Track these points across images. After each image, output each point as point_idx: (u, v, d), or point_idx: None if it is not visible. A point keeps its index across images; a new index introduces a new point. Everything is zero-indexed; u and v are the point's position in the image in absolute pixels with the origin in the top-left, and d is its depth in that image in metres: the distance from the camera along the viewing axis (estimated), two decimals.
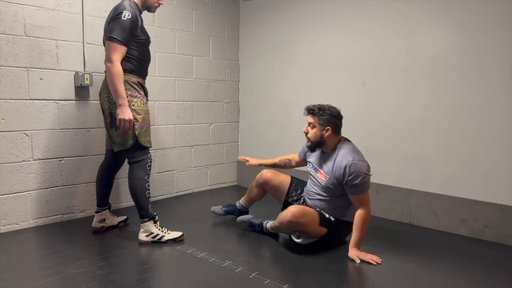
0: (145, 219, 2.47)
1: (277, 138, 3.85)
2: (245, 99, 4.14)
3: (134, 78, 2.41)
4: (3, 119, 2.62)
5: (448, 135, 2.80)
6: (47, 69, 2.78)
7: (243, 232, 2.74)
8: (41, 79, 2.76)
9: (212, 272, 2.12)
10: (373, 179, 3.19)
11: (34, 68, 2.72)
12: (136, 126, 2.38)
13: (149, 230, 2.48)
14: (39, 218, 2.81)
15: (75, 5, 2.88)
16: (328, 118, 2.45)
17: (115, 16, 2.31)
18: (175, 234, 2.53)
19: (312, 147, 2.53)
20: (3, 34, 2.58)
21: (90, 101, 3.01)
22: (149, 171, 2.49)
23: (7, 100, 2.63)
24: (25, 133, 2.72)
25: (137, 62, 2.43)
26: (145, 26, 2.43)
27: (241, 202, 2.94)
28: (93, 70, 2.98)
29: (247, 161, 2.90)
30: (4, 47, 2.59)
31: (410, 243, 2.60)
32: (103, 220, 2.70)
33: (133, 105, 2.37)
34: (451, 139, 2.79)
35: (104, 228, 2.70)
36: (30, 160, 2.75)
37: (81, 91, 2.96)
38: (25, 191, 2.74)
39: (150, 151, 2.52)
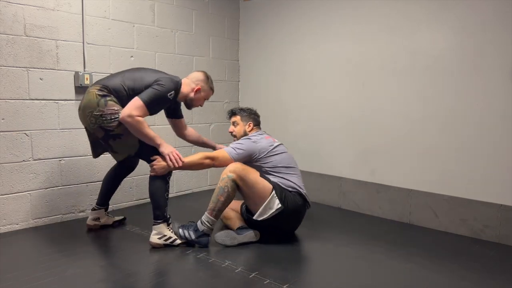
0: (159, 220, 2.43)
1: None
2: (245, 99, 4.14)
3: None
4: (3, 119, 2.62)
5: (448, 135, 2.80)
6: (47, 69, 2.78)
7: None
8: (41, 79, 2.76)
9: (212, 272, 2.12)
10: (373, 179, 3.21)
11: (34, 68, 2.72)
12: None
13: (162, 232, 2.44)
14: (39, 218, 2.81)
15: (75, 5, 2.89)
16: (248, 114, 2.76)
17: (161, 84, 2.36)
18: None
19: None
20: (3, 34, 2.58)
21: None
22: (170, 172, 2.49)
23: (7, 100, 2.63)
24: (25, 133, 2.72)
25: (126, 100, 2.38)
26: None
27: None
28: (93, 70, 2.99)
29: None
30: (4, 47, 2.59)
31: (410, 243, 2.60)
32: (97, 219, 2.72)
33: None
34: (451, 139, 2.79)
35: (98, 227, 2.71)
36: (30, 160, 2.75)
37: (81, 91, 2.95)
38: (25, 191, 2.74)
39: None
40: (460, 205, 2.77)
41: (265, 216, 2.43)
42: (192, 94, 2.57)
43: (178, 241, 2.45)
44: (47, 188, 2.84)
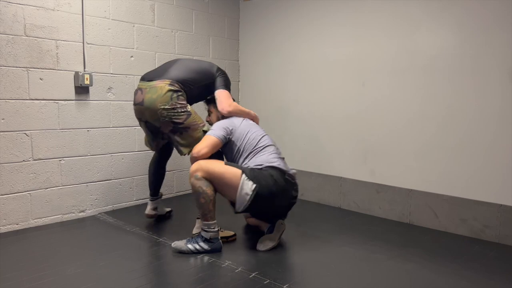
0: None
1: (277, 138, 3.84)
2: (245, 99, 4.14)
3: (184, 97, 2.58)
4: (3, 119, 2.62)
5: (448, 135, 2.80)
6: (47, 69, 2.78)
7: (242, 232, 2.74)
8: (41, 79, 2.76)
9: (212, 272, 2.12)
10: (373, 179, 3.21)
11: (34, 68, 2.72)
12: (202, 125, 2.58)
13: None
14: (39, 218, 2.81)
15: (75, 5, 2.89)
16: (213, 101, 2.69)
17: (222, 72, 2.72)
18: (227, 233, 2.57)
19: None
20: (3, 34, 2.58)
21: (90, 101, 3.01)
22: None
23: (7, 100, 2.63)
24: (25, 133, 2.72)
25: (192, 97, 2.65)
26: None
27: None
28: (93, 70, 2.99)
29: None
30: (4, 47, 2.59)
31: (410, 243, 2.60)
32: (156, 208, 2.92)
33: (188, 108, 2.55)
34: (451, 139, 2.79)
35: (156, 216, 2.94)
36: (30, 160, 2.75)
37: (81, 91, 2.96)
38: (25, 191, 2.74)
39: None
40: (460, 205, 2.77)
41: (245, 204, 2.27)
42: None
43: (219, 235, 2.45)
44: (47, 188, 2.84)
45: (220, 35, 3.95)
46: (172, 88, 2.47)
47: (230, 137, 2.47)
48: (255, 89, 4.05)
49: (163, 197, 3.20)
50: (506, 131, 2.56)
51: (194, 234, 2.51)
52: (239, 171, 2.29)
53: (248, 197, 2.25)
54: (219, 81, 2.63)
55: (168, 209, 3.07)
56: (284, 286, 1.96)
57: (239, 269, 2.14)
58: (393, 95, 3.05)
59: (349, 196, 3.35)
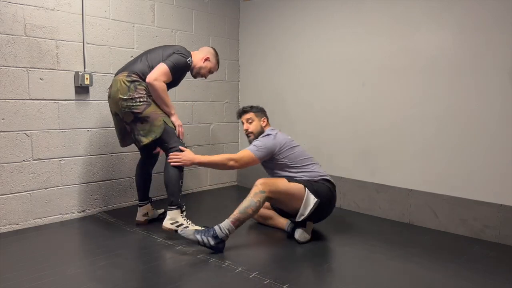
0: (173, 206, 2.55)
1: None
2: (245, 99, 4.14)
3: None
4: (3, 119, 2.62)
5: (448, 135, 2.80)
6: (47, 69, 2.78)
7: (242, 232, 2.74)
8: (41, 79, 2.76)
9: (212, 272, 2.12)
10: (373, 179, 3.21)
11: (34, 68, 2.72)
12: (162, 115, 2.55)
13: (174, 218, 2.54)
14: (39, 218, 2.81)
15: (75, 5, 2.89)
16: (260, 110, 2.82)
17: (181, 53, 2.61)
18: (199, 228, 2.55)
19: (255, 139, 2.71)
20: (3, 34, 2.58)
21: (90, 101, 3.01)
22: None
23: (7, 100, 2.63)
24: (25, 133, 2.72)
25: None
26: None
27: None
28: (93, 70, 2.99)
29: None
30: (4, 47, 2.59)
31: (410, 243, 2.60)
32: (146, 214, 2.86)
33: (150, 98, 2.53)
34: (451, 139, 2.79)
35: (147, 222, 2.86)
36: (30, 160, 2.75)
37: (81, 91, 2.96)
38: (25, 191, 2.74)
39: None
40: (460, 205, 2.77)
41: (305, 215, 2.46)
42: (201, 63, 2.76)
43: (190, 228, 2.49)
44: (47, 188, 2.84)
45: (220, 35, 3.95)
46: (129, 79, 2.50)
47: (274, 155, 2.59)
48: (255, 89, 4.05)
49: (154, 199, 3.09)
50: (506, 131, 2.56)
51: (164, 227, 2.53)
52: (302, 187, 2.48)
53: (309, 208, 2.45)
54: (168, 58, 2.56)
55: (161, 211, 2.99)
56: (284, 286, 1.96)
57: (239, 269, 2.14)
58: (393, 95, 3.05)
59: (349, 196, 3.35)
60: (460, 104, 2.74)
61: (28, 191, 2.75)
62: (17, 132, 2.68)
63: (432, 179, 2.90)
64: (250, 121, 2.77)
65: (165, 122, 2.53)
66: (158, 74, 2.49)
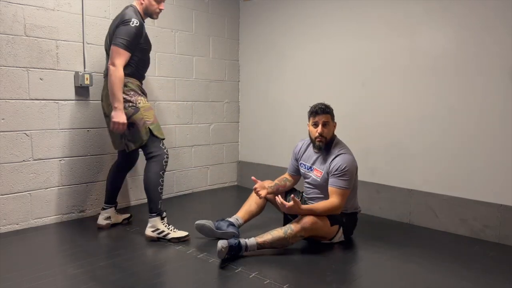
0: (153, 214, 2.52)
1: (277, 138, 3.85)
2: (245, 99, 4.14)
3: (135, 82, 2.54)
4: (3, 119, 2.62)
5: (448, 135, 2.80)
6: (47, 69, 2.78)
7: (242, 232, 2.74)
8: (41, 79, 2.76)
9: (212, 272, 2.12)
10: (373, 179, 3.21)
11: (34, 68, 2.72)
12: (148, 122, 2.49)
13: (155, 226, 2.52)
14: (39, 218, 2.81)
15: (75, 5, 2.88)
16: (333, 113, 2.48)
17: (123, 22, 2.42)
18: (181, 233, 2.55)
19: (325, 146, 2.45)
20: (3, 34, 2.58)
21: (90, 101, 3.01)
22: (165, 167, 2.57)
23: (7, 100, 2.63)
24: (25, 133, 2.72)
25: (136, 67, 2.56)
26: (146, 26, 2.46)
27: (239, 220, 2.62)
28: (93, 70, 2.99)
29: (259, 191, 2.56)
30: (4, 47, 2.59)
31: (410, 243, 2.60)
32: (109, 218, 2.78)
33: (139, 103, 2.49)
34: (451, 139, 2.79)
35: (109, 226, 2.77)
36: (30, 160, 2.75)
37: (81, 91, 2.96)
38: (25, 191, 2.74)
39: (167, 147, 2.61)
40: (460, 205, 2.77)
41: (327, 242, 2.49)
42: (140, 6, 2.56)
43: (170, 235, 2.51)
44: (47, 188, 2.84)
45: (220, 35, 3.95)
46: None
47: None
48: (255, 89, 4.05)
49: (118, 205, 2.97)
50: (506, 131, 2.56)
51: (147, 235, 2.53)
52: (337, 228, 2.45)
53: (334, 241, 2.50)
54: (115, 37, 2.40)
55: (125, 216, 2.87)
56: (284, 286, 1.96)
57: (239, 269, 2.14)
58: (393, 95, 3.05)
59: None
60: (460, 104, 2.74)
61: (28, 191, 2.75)
62: (17, 132, 2.68)
63: (432, 179, 2.89)
64: (326, 125, 2.38)
65: (150, 130, 2.49)
66: (114, 57, 2.37)
